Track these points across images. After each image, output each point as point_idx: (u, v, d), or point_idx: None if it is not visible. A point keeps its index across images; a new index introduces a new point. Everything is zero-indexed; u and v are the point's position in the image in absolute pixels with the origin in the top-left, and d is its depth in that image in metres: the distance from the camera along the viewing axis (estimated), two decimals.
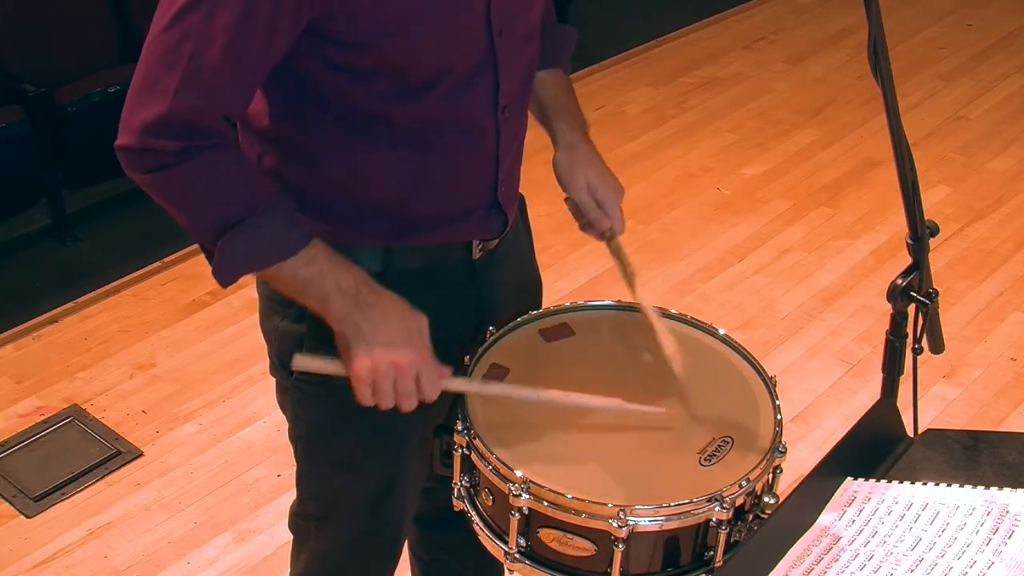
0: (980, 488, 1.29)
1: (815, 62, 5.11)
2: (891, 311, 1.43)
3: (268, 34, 1.32)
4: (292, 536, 1.86)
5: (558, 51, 1.75)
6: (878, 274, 3.65)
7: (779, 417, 1.50)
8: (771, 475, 1.47)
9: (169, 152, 1.34)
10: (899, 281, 1.39)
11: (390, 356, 1.41)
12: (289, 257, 1.40)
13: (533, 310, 1.69)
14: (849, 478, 1.35)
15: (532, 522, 1.42)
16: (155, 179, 1.36)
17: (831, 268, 3.71)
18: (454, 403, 1.55)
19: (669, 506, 1.36)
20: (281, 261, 1.41)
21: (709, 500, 1.37)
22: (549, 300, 1.80)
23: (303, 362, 1.48)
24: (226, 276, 1.42)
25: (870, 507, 1.30)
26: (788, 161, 4.33)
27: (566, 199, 1.71)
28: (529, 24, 1.53)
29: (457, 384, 1.50)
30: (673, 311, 1.66)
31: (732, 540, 1.43)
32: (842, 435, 1.37)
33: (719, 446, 1.46)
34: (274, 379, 1.71)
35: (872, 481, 1.34)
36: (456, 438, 1.49)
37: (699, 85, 4.90)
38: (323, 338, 1.52)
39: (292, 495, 1.81)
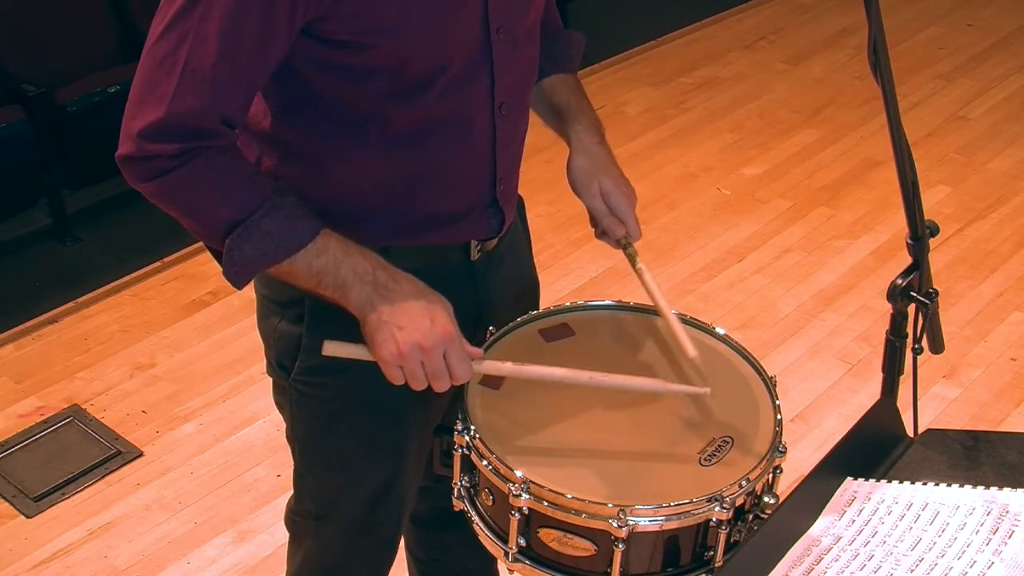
0: (980, 488, 1.29)
1: (815, 62, 5.11)
2: (891, 311, 1.43)
3: (264, 35, 1.32)
4: (288, 533, 1.86)
5: (568, 56, 1.75)
6: (878, 274, 3.65)
7: (779, 417, 1.50)
8: (771, 475, 1.47)
9: (168, 156, 1.34)
10: (899, 281, 1.39)
11: (414, 338, 1.40)
12: (299, 250, 1.40)
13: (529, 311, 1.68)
14: (849, 478, 1.35)
15: (532, 522, 1.42)
16: (158, 186, 1.36)
17: (831, 268, 3.71)
18: (454, 403, 1.55)
19: (669, 506, 1.36)
20: (291, 255, 1.40)
21: (709, 500, 1.37)
22: (549, 300, 1.80)
23: (332, 348, 1.47)
24: (238, 276, 1.41)
25: (870, 507, 1.30)
26: (788, 161, 4.33)
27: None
28: (528, 24, 1.53)
29: (490, 366, 1.48)
30: (673, 311, 1.66)
31: (732, 540, 1.43)
32: (842, 435, 1.37)
33: (719, 446, 1.46)
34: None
35: (872, 481, 1.34)
36: (456, 438, 1.48)
37: (699, 85, 4.90)
38: (323, 338, 1.52)
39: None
